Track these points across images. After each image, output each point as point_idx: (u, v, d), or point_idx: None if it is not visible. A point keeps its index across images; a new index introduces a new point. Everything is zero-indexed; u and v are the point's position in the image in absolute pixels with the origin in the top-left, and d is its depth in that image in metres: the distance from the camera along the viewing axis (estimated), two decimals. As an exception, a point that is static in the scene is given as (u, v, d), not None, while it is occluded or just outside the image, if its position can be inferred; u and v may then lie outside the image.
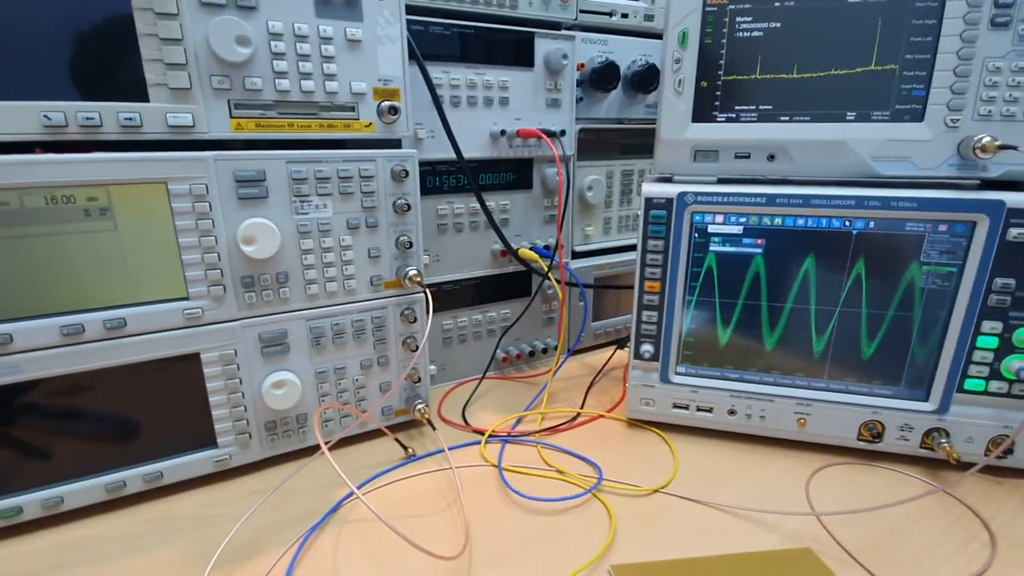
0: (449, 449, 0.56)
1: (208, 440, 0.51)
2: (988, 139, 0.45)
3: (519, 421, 0.62)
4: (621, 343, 0.74)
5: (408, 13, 0.55)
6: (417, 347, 0.57)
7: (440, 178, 0.64)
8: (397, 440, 0.55)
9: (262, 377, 0.51)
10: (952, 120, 0.46)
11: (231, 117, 0.47)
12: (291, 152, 0.48)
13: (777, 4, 0.48)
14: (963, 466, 0.51)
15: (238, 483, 0.52)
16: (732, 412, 0.57)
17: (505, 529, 0.45)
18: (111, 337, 0.45)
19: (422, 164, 0.63)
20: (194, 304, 0.47)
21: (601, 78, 0.73)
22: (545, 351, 0.77)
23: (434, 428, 0.58)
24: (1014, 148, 0.44)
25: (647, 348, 0.57)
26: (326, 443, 0.42)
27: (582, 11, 0.72)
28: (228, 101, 0.46)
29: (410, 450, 0.55)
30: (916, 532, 0.45)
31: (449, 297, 0.69)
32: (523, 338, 0.76)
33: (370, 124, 0.51)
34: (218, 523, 0.46)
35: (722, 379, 0.57)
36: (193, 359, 0.48)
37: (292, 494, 0.50)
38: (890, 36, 0.47)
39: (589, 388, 0.68)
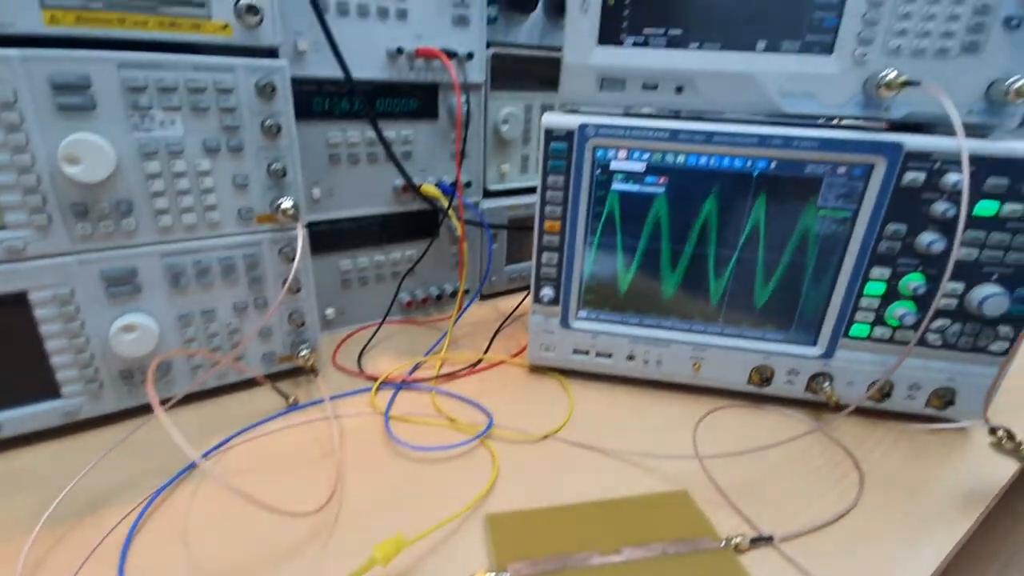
0: (335, 398, 0.53)
1: (51, 390, 0.45)
2: (893, 75, 0.43)
3: (416, 367, 0.59)
4: (534, 287, 0.71)
5: None
6: (299, 289, 0.52)
7: (330, 100, 0.57)
8: (275, 388, 0.51)
9: (110, 320, 0.45)
10: (861, 54, 0.44)
11: (42, 7, 0.38)
12: (123, 54, 0.40)
13: (691, -89, 0.43)
14: (843, 408, 0.53)
15: (96, 435, 0.47)
16: (631, 357, 0.56)
17: (383, 481, 0.43)
18: (-99, 272, 0.38)
19: (308, 83, 0.56)
20: (13, 234, 0.40)
21: (517, -4, 0.66)
22: (454, 294, 0.73)
23: (316, 375, 0.54)
24: (917, 84, 0.42)
25: (547, 292, 0.54)
26: (166, 401, 0.38)
27: (498, -83, 0.64)
28: (38, -13, 0.38)
29: (292, 398, 0.51)
30: (791, 471, 0.46)
31: (347, 236, 0.64)
32: (431, 281, 0.72)
33: (227, 26, 0.44)
34: (67, 478, 0.41)
35: (622, 324, 0.55)
36: (20, 299, 0.42)
37: (154, 446, 0.46)
38: (806, -44, 0.43)
39: (496, 333, 0.66)
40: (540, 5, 0.69)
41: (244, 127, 0.46)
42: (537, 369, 0.60)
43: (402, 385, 0.55)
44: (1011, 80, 0.42)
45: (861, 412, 0.53)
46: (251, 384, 0.54)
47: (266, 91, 0.45)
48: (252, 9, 0.43)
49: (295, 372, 0.56)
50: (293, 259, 0.51)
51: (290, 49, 0.53)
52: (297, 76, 0.54)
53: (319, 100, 0.57)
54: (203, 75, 0.43)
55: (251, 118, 0.46)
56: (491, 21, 0.66)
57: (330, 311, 0.65)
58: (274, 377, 0.55)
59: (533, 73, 0.72)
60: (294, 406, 0.51)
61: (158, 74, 0.42)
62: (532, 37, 0.71)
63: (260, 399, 0.52)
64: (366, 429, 0.49)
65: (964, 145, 0.40)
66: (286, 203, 0.48)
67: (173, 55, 0.42)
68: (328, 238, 0.62)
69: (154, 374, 0.48)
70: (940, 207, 0.45)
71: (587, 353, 0.56)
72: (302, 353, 0.53)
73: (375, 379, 0.56)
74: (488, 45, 0.66)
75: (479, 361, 0.60)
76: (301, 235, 0.48)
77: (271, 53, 0.47)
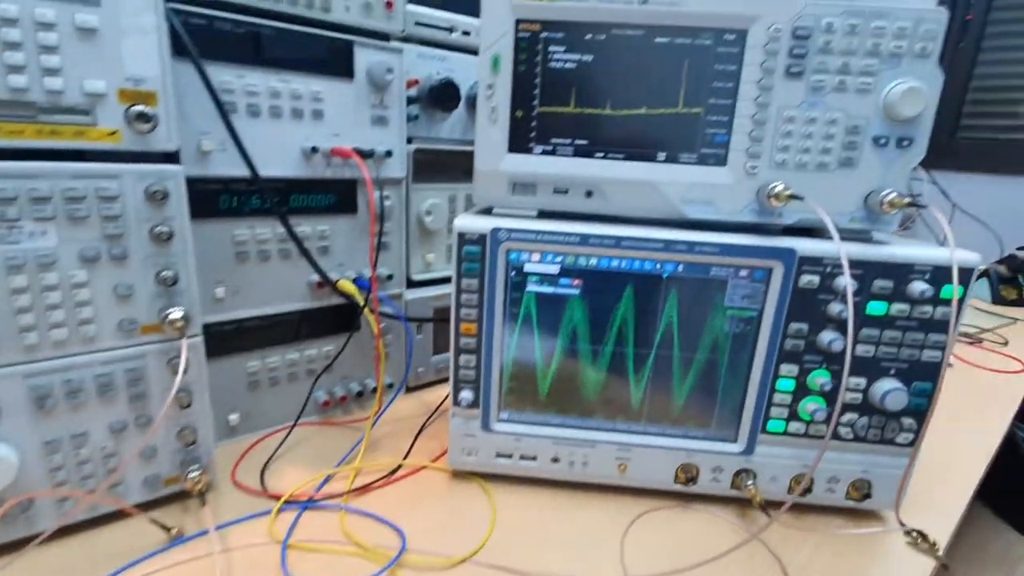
0: (227, 525, 0.47)
1: None
2: (780, 188, 0.46)
3: (327, 480, 0.54)
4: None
5: (182, 2, 0.47)
6: (191, 403, 0.48)
7: (238, 198, 0.55)
8: (153, 521, 0.45)
9: (-47, 454, 0.39)
10: (751, 167, 0.47)
11: None
12: (-12, 164, 0.37)
13: (589, 37, 0.46)
14: (768, 508, 0.52)
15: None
16: (556, 460, 0.53)
17: (271, 631, 0.38)
18: None
19: (213, 182, 0.53)
20: None
21: (439, 97, 0.68)
22: (375, 390, 0.70)
23: (203, 503, 0.48)
24: (801, 199, 0.45)
25: (466, 395, 0.52)
26: (30, 540, 0.32)
27: (419, 24, 0.67)
28: None
29: (174, 530, 0.45)
30: (719, 585, 0.44)
31: (256, 334, 0.60)
32: (352, 377, 0.68)
33: (115, 132, 0.41)
34: None
35: (545, 425, 0.53)
36: None
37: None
38: (695, 79, 0.46)
39: (418, 434, 0.62)
40: (462, 103, 0.71)
41: (129, 234, 0.43)
42: (460, 474, 0.56)
43: (308, 504, 0.50)
44: (884, 193, 0.46)
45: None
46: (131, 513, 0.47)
47: (156, 197, 0.43)
48: (143, 117, 0.41)
49: (184, 495, 0.50)
50: (187, 370, 0.47)
51: (193, 150, 0.51)
52: (201, 176, 0.52)
53: (226, 197, 0.55)
54: (83, 183, 0.40)
55: (139, 225, 0.43)
56: (413, 119, 0.68)
57: (234, 417, 0.60)
58: (160, 503, 0.49)
59: (456, 165, 0.73)
60: (179, 539, 0.45)
61: (30, 184, 0.38)
62: (455, 132, 0.73)
63: (141, 531, 0.46)
64: (260, 565, 0.43)
65: (843, 251, 0.43)
66: (175, 314, 0.44)
67: (49, 163, 0.39)
68: (233, 338, 0.58)
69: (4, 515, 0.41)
70: (835, 308, 0.47)
71: (511, 456, 0.54)
72: (191, 475, 0.48)
73: (278, 497, 0.51)
74: (410, 140, 0.67)
75: (397, 468, 0.56)
76: (186, 348, 0.44)
77: (168, 157, 0.45)
